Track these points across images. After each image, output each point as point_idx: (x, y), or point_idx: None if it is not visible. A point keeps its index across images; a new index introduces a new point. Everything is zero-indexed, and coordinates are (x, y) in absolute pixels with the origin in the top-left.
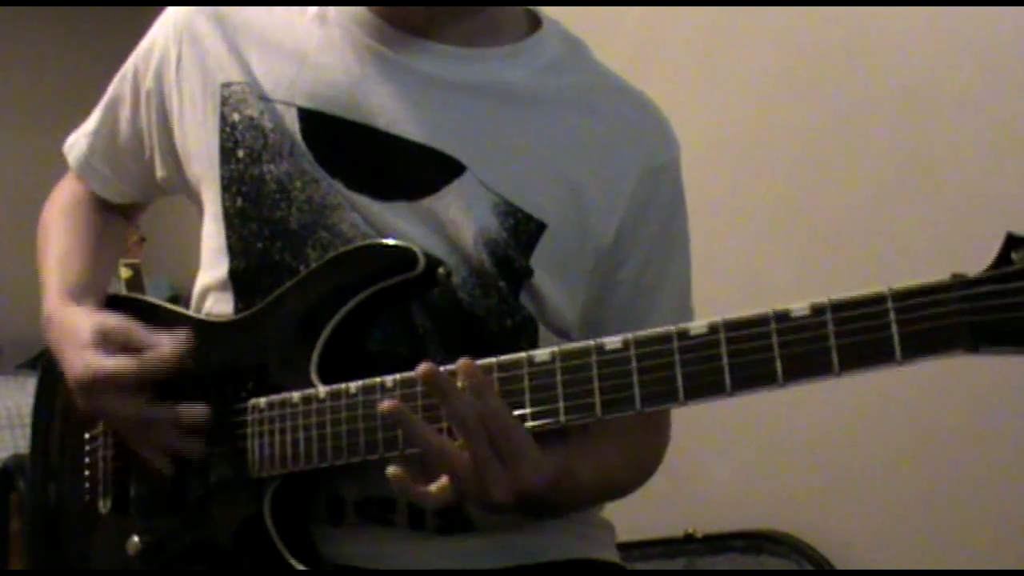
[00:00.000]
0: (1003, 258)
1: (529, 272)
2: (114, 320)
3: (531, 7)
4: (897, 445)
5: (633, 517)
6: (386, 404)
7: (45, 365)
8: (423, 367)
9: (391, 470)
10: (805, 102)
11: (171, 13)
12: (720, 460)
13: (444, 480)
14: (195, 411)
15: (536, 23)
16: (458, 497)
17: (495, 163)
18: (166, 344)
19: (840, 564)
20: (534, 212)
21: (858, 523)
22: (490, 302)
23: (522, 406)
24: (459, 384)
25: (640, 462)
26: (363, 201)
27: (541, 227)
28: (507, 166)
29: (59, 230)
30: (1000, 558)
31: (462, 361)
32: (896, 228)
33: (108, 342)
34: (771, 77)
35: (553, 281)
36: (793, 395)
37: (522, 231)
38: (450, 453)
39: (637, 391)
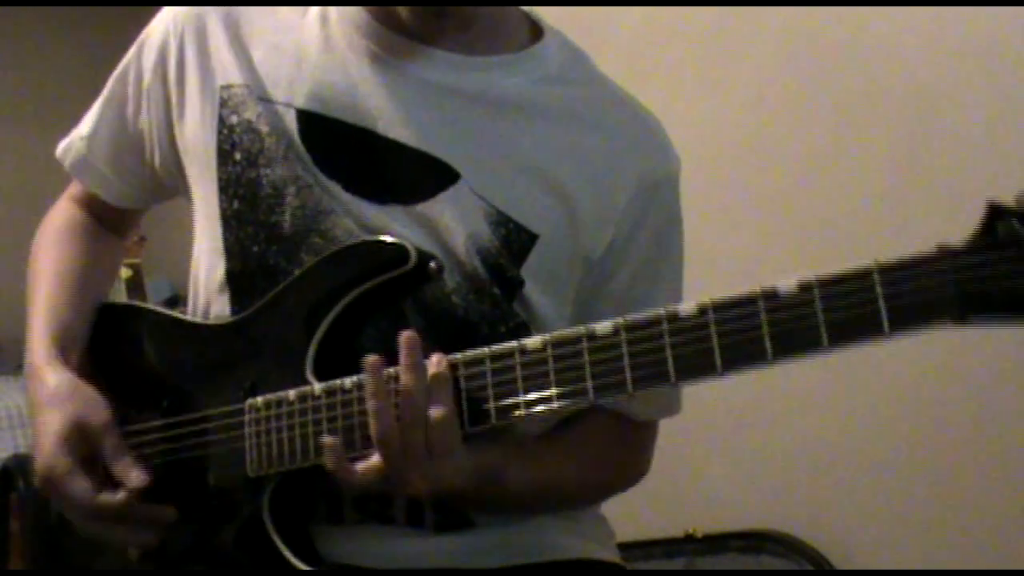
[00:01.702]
0: (987, 228)
1: (520, 282)
2: (93, 421)
3: (534, 15)
4: (896, 445)
5: (633, 517)
6: (371, 358)
7: None
8: (408, 333)
9: (327, 439)
10: (805, 102)
11: (171, 10)
12: (720, 460)
13: (374, 460)
14: (156, 513)
15: (538, 33)
16: (382, 481)
17: (489, 172)
18: (130, 479)
19: (840, 564)
20: (526, 223)
21: (858, 523)
22: (484, 308)
23: (515, 394)
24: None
25: (609, 475)
26: (358, 204)
27: (533, 238)
28: (500, 176)
29: (49, 265)
30: (1000, 558)
31: (435, 355)
32: (896, 228)
33: (79, 442)
34: (771, 77)
35: (543, 291)
36: (792, 396)
37: (513, 241)
38: (392, 435)
39: (628, 374)
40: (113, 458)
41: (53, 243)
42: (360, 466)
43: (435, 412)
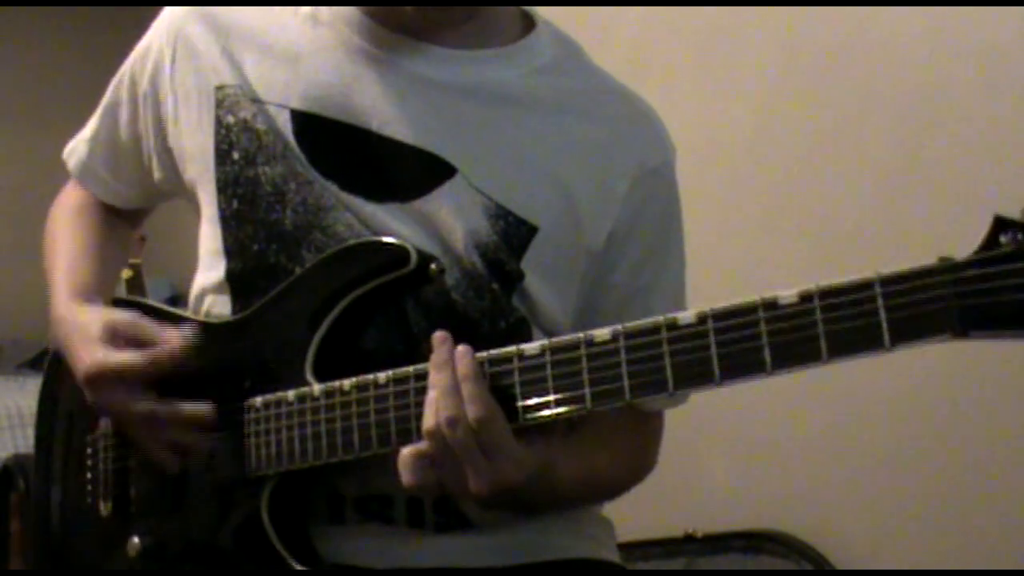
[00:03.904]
0: (991, 241)
1: (520, 275)
2: (123, 315)
3: (525, 8)
4: (896, 445)
5: (633, 517)
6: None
7: (50, 366)
8: (439, 332)
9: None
10: (804, 102)
11: (166, 14)
12: (720, 460)
13: (422, 446)
14: (199, 408)
15: (530, 24)
16: (437, 482)
17: (486, 166)
18: (173, 340)
19: (840, 564)
20: (525, 215)
21: (858, 523)
22: (483, 304)
23: (513, 400)
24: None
25: (629, 467)
26: (356, 202)
27: (532, 230)
28: (498, 169)
29: (66, 234)
30: (1000, 558)
31: (460, 347)
32: (896, 228)
33: (117, 337)
34: (771, 77)
35: (544, 284)
36: (792, 395)
37: (513, 234)
38: (436, 432)
39: (626, 382)
40: (153, 332)
41: (67, 221)
42: (405, 451)
43: (472, 408)
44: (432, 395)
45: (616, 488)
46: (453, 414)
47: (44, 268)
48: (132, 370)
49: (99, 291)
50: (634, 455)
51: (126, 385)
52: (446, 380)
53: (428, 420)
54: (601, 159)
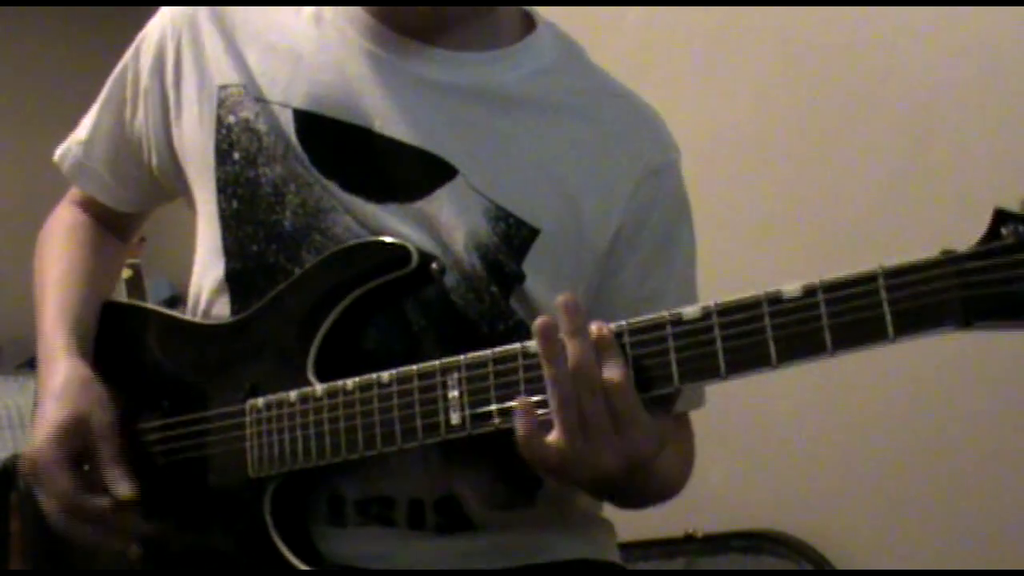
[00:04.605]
0: (992, 233)
1: (521, 277)
2: (95, 420)
3: (526, 8)
4: (897, 445)
5: (633, 517)
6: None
7: None
8: (570, 299)
9: (519, 399)
10: (805, 101)
11: (167, 11)
12: (720, 460)
13: (553, 436)
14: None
15: (531, 25)
16: (563, 465)
17: (487, 167)
18: (118, 490)
19: (840, 564)
20: (526, 217)
21: (858, 523)
22: (482, 306)
23: (518, 397)
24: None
25: (685, 463)
26: (357, 203)
27: (534, 232)
28: (499, 171)
29: (57, 261)
30: (1000, 558)
31: (596, 324)
32: (897, 228)
33: (74, 437)
34: (771, 77)
35: (546, 286)
36: (793, 396)
37: (513, 236)
38: (572, 404)
39: (633, 377)
40: (107, 463)
41: (59, 242)
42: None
43: (609, 374)
44: (571, 363)
45: (677, 486)
46: (592, 382)
47: (33, 291)
48: (59, 494)
49: (89, 329)
50: (688, 452)
51: (54, 492)
52: (584, 347)
53: (565, 389)
54: (603, 160)
